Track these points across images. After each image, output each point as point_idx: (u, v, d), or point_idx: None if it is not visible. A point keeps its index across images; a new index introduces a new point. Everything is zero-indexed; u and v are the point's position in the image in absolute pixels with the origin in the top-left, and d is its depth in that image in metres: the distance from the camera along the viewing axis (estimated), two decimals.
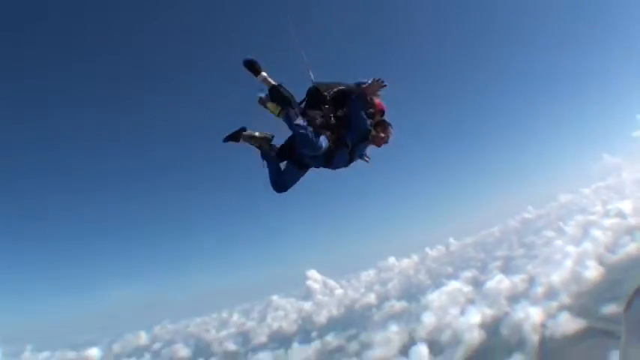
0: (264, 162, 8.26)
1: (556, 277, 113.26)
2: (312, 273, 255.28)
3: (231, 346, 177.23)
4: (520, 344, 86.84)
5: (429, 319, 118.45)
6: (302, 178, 8.43)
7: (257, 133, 8.27)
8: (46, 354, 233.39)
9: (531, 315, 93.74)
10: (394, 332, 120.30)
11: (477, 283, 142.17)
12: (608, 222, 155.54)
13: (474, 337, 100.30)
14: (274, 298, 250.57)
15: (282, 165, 8.33)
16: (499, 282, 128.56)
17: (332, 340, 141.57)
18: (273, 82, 8.02)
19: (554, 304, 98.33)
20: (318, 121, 8.00)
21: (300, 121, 7.72)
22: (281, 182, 8.23)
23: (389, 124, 8.43)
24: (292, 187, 8.35)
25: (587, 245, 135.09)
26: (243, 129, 8.17)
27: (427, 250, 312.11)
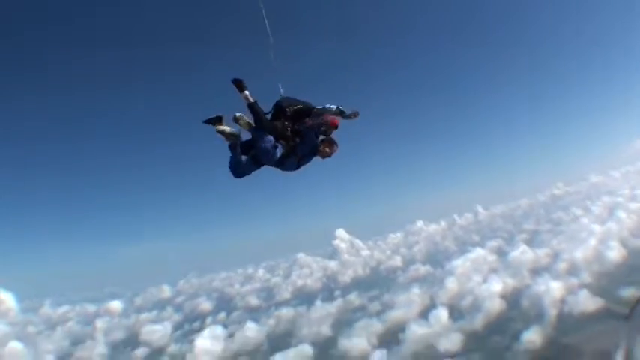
0: (230, 151, 9.77)
1: (579, 254, 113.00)
2: (340, 232, 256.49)
3: (254, 301, 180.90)
4: (538, 317, 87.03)
5: (451, 285, 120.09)
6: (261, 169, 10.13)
7: (228, 130, 9.68)
8: (65, 308, 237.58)
9: (552, 289, 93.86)
10: (416, 295, 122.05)
11: (501, 253, 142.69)
12: (634, 206, 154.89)
13: (494, 305, 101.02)
14: (300, 255, 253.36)
15: (243, 158, 9.85)
16: (523, 253, 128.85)
17: (355, 299, 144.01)
18: (252, 100, 9.51)
19: (574, 281, 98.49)
20: (278, 131, 9.66)
21: (266, 138, 9.48)
22: (239, 171, 9.83)
23: (335, 143, 10.04)
24: (248, 176, 10.01)
25: (612, 226, 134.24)
26: (220, 117, 9.67)
27: (455, 217, 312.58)
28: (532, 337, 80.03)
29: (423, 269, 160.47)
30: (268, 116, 9.96)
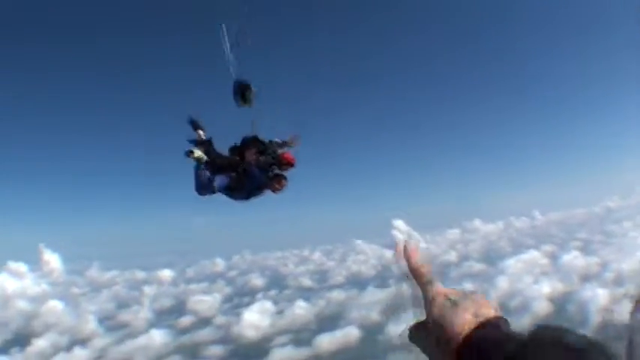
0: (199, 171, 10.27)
1: (626, 266, 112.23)
2: (399, 223, 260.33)
3: (307, 282, 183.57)
4: (583, 323, 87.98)
5: (502, 284, 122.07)
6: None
7: (197, 154, 10.23)
8: (113, 273, 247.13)
9: (598, 296, 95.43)
10: None
11: (553, 258, 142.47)
12: None
13: (542, 307, 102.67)
14: (358, 242, 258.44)
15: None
16: (574, 259, 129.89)
17: (407, 288, 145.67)
18: (204, 138, 10.45)
19: (620, 291, 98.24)
20: (227, 162, 10.39)
21: (205, 178, 10.09)
22: (202, 191, 10.31)
23: (284, 178, 10.57)
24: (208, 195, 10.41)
25: None
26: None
27: (512, 219, 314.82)
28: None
29: (477, 267, 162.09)
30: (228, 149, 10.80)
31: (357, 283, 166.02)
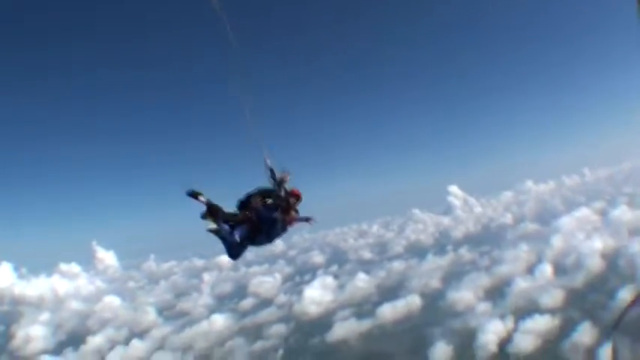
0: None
1: None
2: (454, 189, 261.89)
3: (367, 255, 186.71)
4: (634, 277, 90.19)
5: (557, 242, 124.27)
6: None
7: (212, 227, 10.42)
8: (171, 263, 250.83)
9: None
10: (524, 251, 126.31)
11: (603, 214, 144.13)
12: None
13: (595, 263, 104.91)
14: (415, 211, 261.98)
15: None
16: (622, 214, 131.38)
17: (465, 253, 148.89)
18: (205, 201, 10.55)
19: None
20: (239, 217, 10.55)
21: (227, 234, 10.33)
22: (235, 257, 10.75)
23: (295, 211, 10.77)
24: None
25: None
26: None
27: (563, 177, 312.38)
28: (626, 296, 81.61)
29: (532, 227, 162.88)
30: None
31: (417, 252, 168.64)
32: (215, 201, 10.51)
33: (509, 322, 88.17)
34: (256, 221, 10.43)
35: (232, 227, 10.42)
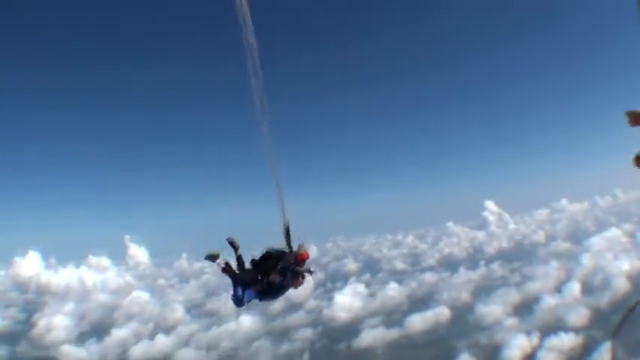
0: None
1: None
2: (490, 204, 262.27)
3: (400, 265, 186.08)
4: None
5: (586, 261, 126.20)
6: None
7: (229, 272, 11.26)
8: (203, 263, 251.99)
9: None
10: (554, 269, 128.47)
11: (632, 235, 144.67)
12: None
13: (621, 284, 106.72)
14: (450, 224, 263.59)
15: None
16: None
17: (497, 269, 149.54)
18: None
19: None
20: (250, 277, 11.20)
21: (237, 291, 10.97)
22: (239, 305, 11.18)
23: (303, 276, 11.47)
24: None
25: None
26: (216, 256, 11.43)
27: (597, 198, 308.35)
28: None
29: (563, 246, 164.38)
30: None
31: (449, 265, 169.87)
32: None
33: (535, 339, 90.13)
34: (267, 285, 11.20)
35: (243, 287, 11.03)
